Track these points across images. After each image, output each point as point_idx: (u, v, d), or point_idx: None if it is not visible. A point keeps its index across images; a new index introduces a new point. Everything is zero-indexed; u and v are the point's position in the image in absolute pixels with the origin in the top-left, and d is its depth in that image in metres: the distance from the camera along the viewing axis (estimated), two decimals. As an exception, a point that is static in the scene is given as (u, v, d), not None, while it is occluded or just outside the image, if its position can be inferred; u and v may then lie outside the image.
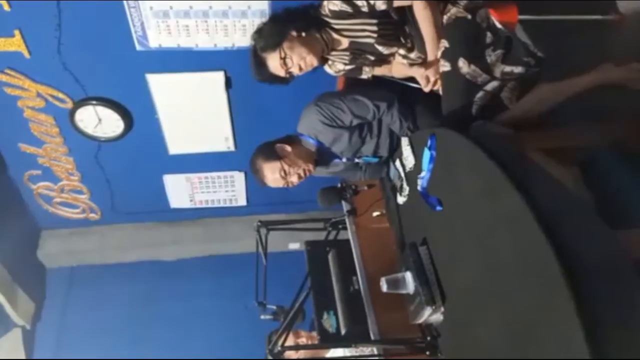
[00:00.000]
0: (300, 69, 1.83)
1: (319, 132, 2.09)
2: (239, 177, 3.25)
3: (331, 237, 2.09)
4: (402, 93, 2.07)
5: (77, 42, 2.31)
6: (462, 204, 1.43)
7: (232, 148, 2.99)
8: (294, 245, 3.54)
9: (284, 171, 2.04)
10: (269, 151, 2.09)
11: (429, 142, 1.58)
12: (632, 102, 1.71)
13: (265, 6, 2.28)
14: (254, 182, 3.22)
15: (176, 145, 2.93)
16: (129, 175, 3.08)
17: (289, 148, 2.08)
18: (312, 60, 1.84)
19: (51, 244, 3.41)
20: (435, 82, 1.78)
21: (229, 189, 3.33)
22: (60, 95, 2.52)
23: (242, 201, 3.45)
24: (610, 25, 1.76)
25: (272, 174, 2.06)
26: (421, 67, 1.84)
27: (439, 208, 1.52)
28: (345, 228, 2.05)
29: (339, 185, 2.05)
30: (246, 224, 3.61)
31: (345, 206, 2.04)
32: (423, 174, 1.62)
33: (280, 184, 2.08)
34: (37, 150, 2.82)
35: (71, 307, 3.37)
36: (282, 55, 1.80)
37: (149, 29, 2.30)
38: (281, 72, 1.86)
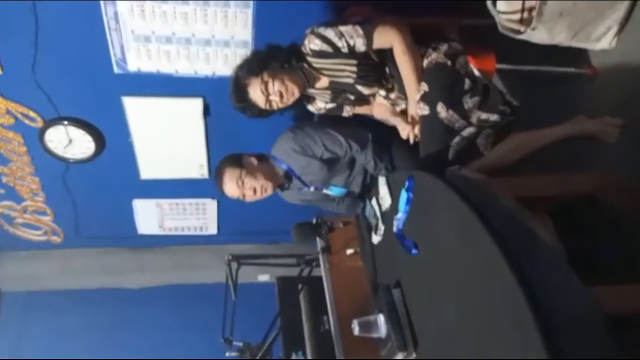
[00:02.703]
0: (281, 96, 1.83)
1: (289, 158, 2.10)
2: (211, 205, 3.19)
3: (304, 274, 2.06)
4: (379, 129, 2.09)
5: (52, 60, 2.25)
6: (437, 248, 1.42)
7: (206, 175, 2.94)
8: (264, 277, 3.46)
9: (242, 181, 2.05)
10: (236, 158, 2.13)
11: (406, 184, 1.58)
12: (604, 155, 1.76)
13: (248, 37, 2.28)
14: (226, 210, 3.21)
15: (148, 170, 2.87)
16: (97, 198, 2.99)
17: (255, 161, 2.11)
18: (292, 89, 1.84)
19: (8, 266, 3.25)
20: (414, 129, 1.80)
21: (200, 216, 3.26)
22: (31, 114, 2.45)
23: (212, 229, 3.38)
24: (584, 78, 1.82)
25: (230, 181, 2.07)
26: (402, 119, 1.86)
27: (414, 251, 1.51)
28: (318, 265, 2.02)
29: (313, 220, 2.03)
30: (215, 253, 3.54)
31: (319, 243, 2.01)
32: (399, 215, 1.62)
33: (235, 193, 2.09)
34: (2, 168, 2.71)
35: (26, 334, 3.20)
36: (264, 80, 1.80)
37: (129, 52, 2.26)
38: (262, 101, 1.85)
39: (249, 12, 2.19)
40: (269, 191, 2.08)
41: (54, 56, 2.24)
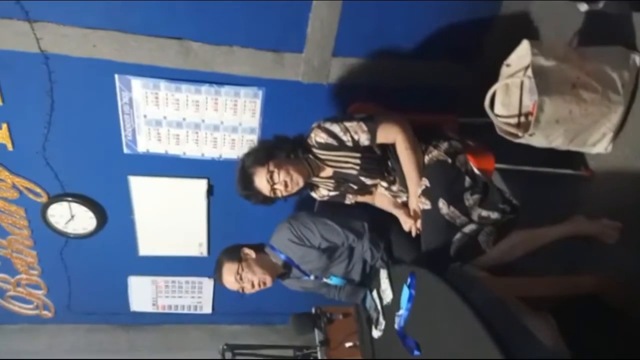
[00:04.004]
0: (286, 185, 1.86)
1: (287, 248, 2.09)
2: (207, 284, 3.14)
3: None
4: (378, 216, 2.11)
5: (64, 139, 2.32)
6: (439, 350, 1.39)
7: (205, 254, 2.93)
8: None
9: (240, 275, 2.02)
10: (234, 252, 2.09)
11: (408, 280, 1.57)
12: (602, 256, 1.77)
13: (256, 124, 2.37)
14: (223, 290, 3.15)
15: (147, 246, 2.86)
16: (93, 273, 2.95)
17: (253, 254, 2.08)
18: (297, 179, 1.87)
19: (-5, 340, 3.14)
20: (415, 222, 1.82)
21: (196, 295, 3.20)
22: (37, 190, 2.48)
23: (207, 309, 3.30)
24: (581, 179, 1.87)
25: (228, 275, 2.04)
26: (404, 212, 1.89)
27: (416, 353, 1.47)
28: (316, 359, 1.95)
29: (312, 310, 1.99)
30: (208, 333, 3.44)
31: (318, 336, 1.96)
32: (401, 312, 1.59)
33: (234, 286, 2.05)
34: (0, 241, 2.70)
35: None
36: (269, 169, 1.84)
37: (140, 134, 2.34)
38: (267, 189, 1.88)
39: (258, 102, 2.29)
40: (268, 284, 2.06)
41: (65, 135, 2.31)
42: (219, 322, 3.48)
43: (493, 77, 1.79)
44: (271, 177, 1.84)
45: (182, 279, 3.08)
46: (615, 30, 1.71)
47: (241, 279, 2.00)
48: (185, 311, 3.29)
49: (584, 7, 1.27)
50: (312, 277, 2.16)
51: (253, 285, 2.01)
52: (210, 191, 2.62)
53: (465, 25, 2.18)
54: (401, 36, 2.19)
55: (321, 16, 2.07)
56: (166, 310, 3.27)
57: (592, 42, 1.77)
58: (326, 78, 2.25)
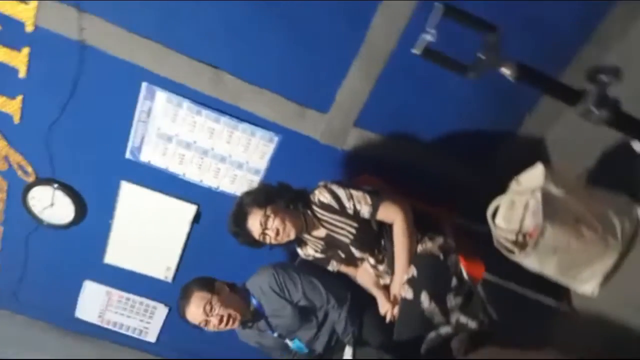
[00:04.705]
0: (278, 233, 1.83)
1: (264, 296, 2.04)
2: (161, 311, 3.02)
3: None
4: (357, 292, 2.07)
5: (71, 128, 2.30)
6: None
7: (169, 280, 2.83)
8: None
9: (210, 306, 1.93)
10: (208, 282, 2.03)
11: (371, 366, 1.53)
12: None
13: (262, 167, 2.38)
14: (174, 322, 3.03)
15: (115, 255, 2.76)
16: (51, 267, 2.84)
17: (227, 289, 2.02)
18: (290, 230, 1.85)
19: None
20: (393, 308, 1.80)
21: (145, 319, 3.06)
22: (28, 168, 2.43)
23: (152, 337, 3.15)
24: (562, 312, 1.87)
25: (197, 305, 1.94)
26: (384, 294, 1.87)
27: None
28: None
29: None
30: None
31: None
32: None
33: (198, 318, 1.95)
34: (-29, 205, 2.61)
35: None
36: (266, 213, 1.82)
37: (147, 144, 2.33)
38: (257, 232, 1.85)
39: (271, 146, 2.31)
40: (236, 324, 1.98)
41: (74, 124, 2.29)
42: (159, 354, 3.31)
43: (500, 187, 1.83)
44: (265, 221, 1.82)
45: (138, 299, 2.96)
46: (626, 177, 1.78)
47: (211, 310, 1.92)
48: (129, 333, 3.13)
49: (638, 146, 1.32)
50: (275, 335, 2.09)
51: (221, 321, 1.93)
52: (196, 219, 2.58)
53: (485, 131, 2.27)
54: (422, 125, 2.26)
55: (354, 86, 2.14)
56: (109, 326, 3.11)
57: (602, 181, 1.83)
58: (342, 143, 2.29)
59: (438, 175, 2.34)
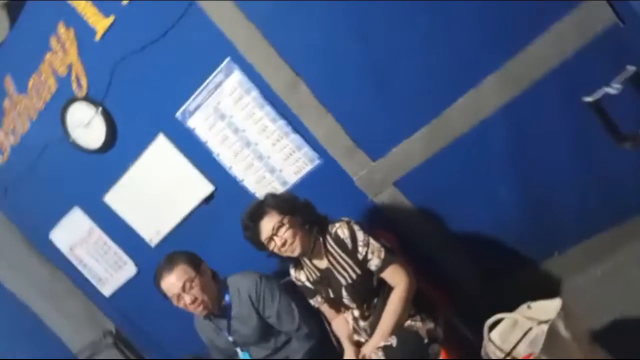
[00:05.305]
0: (284, 244, 1.83)
1: (238, 298, 2.02)
2: (129, 269, 2.97)
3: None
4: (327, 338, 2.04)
5: (142, 67, 2.34)
6: None
7: (153, 244, 2.80)
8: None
9: (190, 284, 1.93)
10: (196, 260, 2.04)
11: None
12: None
13: (291, 180, 2.38)
14: (134, 285, 2.98)
15: (115, 197, 2.75)
16: (52, 179, 2.82)
17: (210, 274, 2.04)
18: (296, 247, 1.84)
19: None
20: None
21: (110, 270, 3.01)
22: (83, 82, 2.46)
23: (107, 290, 3.09)
24: None
25: (178, 277, 1.94)
26: (354, 351, 1.85)
27: None
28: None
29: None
30: (88, 310, 3.19)
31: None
32: None
33: (173, 290, 1.94)
34: (12, 92, 2.63)
35: None
36: (282, 221, 1.82)
37: (200, 113, 2.36)
38: (266, 234, 1.84)
39: (309, 167, 2.33)
40: (205, 311, 1.96)
41: (146, 65, 2.33)
42: (107, 312, 3.24)
43: (501, 304, 1.81)
44: (278, 228, 1.83)
45: (114, 247, 2.92)
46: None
47: (189, 289, 1.90)
48: (89, 276, 3.08)
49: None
50: (230, 339, 2.05)
51: (193, 302, 1.92)
52: (207, 199, 2.57)
53: (510, 248, 2.25)
54: (457, 214, 2.26)
55: (411, 149, 2.16)
56: (73, 261, 3.06)
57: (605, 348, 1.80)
58: (374, 195, 2.30)
59: (448, 265, 2.34)
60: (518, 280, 2.27)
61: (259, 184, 2.43)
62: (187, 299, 1.92)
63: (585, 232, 2.16)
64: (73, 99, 2.51)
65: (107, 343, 2.73)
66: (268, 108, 2.26)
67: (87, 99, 2.48)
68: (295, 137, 2.29)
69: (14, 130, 2.75)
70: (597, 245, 2.16)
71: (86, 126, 2.53)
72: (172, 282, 1.93)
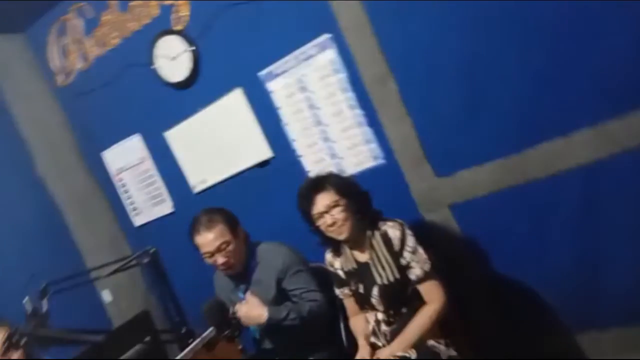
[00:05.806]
0: (332, 225, 1.81)
1: (264, 266, 2.02)
2: (165, 207, 3.00)
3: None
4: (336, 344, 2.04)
5: (247, 18, 2.37)
6: None
7: (195, 191, 2.83)
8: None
9: (226, 246, 1.96)
10: (236, 222, 2.05)
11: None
12: None
13: (350, 171, 2.32)
14: (164, 224, 3.01)
15: (176, 137, 2.80)
16: (122, 99, 2.89)
17: (243, 237, 2.05)
18: (344, 231, 1.82)
19: None
20: None
21: (147, 203, 3.05)
22: (185, 17, 2.51)
23: (138, 220, 3.14)
24: None
25: (216, 237, 1.96)
26: (368, 352, 1.83)
27: None
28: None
29: (231, 312, 1.91)
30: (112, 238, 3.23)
31: (209, 333, 1.85)
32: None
33: (208, 247, 1.96)
34: (114, 8, 2.73)
35: None
36: (337, 202, 1.81)
37: (282, 79, 2.37)
38: (318, 208, 1.83)
39: (371, 163, 2.29)
40: (230, 271, 1.99)
41: (244, 21, 2.37)
42: (126, 238, 3.28)
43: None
44: (332, 207, 1.81)
45: (160, 182, 2.96)
46: None
47: (225, 250, 1.93)
48: (125, 201, 3.13)
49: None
50: (244, 302, 2.04)
51: (225, 263, 1.94)
52: (263, 164, 2.57)
53: (543, 310, 2.16)
54: (500, 262, 2.20)
55: (480, 181, 2.09)
56: (116, 183, 3.12)
57: None
58: (425, 212, 2.23)
59: (472, 304, 2.26)
60: (536, 339, 2.18)
61: (316, 164, 2.42)
62: (220, 259, 1.94)
63: (625, 319, 2.05)
64: (169, 31, 2.56)
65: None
66: (350, 94, 2.25)
67: (182, 34, 2.54)
68: (367, 131, 2.27)
69: (103, 43, 2.83)
70: (632, 336, 2.06)
71: (172, 59, 2.58)
72: (209, 240, 1.95)
